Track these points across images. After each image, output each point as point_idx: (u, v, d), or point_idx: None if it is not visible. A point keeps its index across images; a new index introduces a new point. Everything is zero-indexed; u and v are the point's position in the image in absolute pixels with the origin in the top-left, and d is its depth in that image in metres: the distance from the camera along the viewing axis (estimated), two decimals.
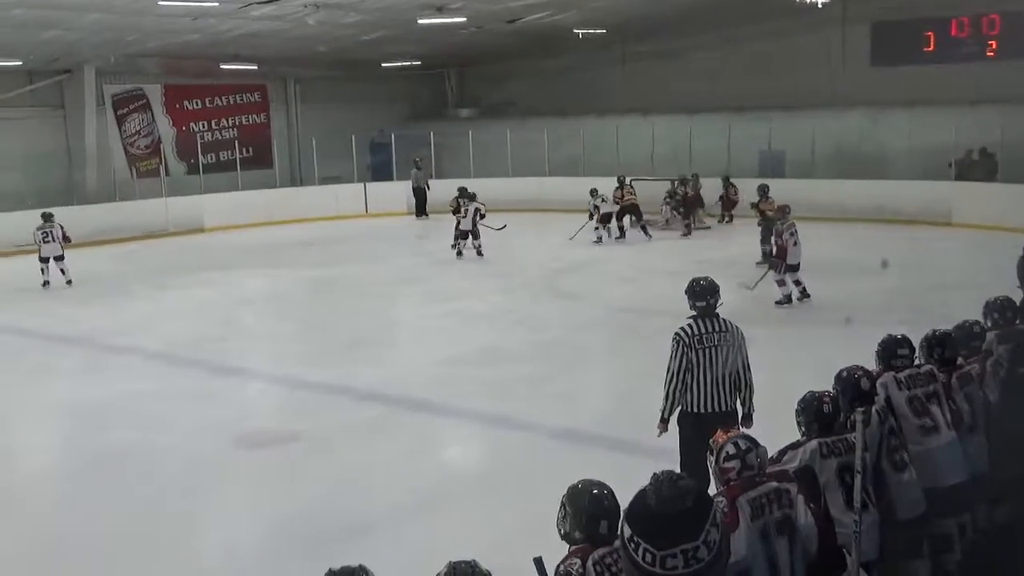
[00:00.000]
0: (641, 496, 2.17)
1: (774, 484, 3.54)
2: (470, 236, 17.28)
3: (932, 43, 21.81)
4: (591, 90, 25.84)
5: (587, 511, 3.18)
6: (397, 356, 11.24)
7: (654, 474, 2.23)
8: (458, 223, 17.33)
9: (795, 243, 12.23)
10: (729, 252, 16.63)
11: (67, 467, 8.14)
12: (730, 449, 3.59)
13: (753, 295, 12.30)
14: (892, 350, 4.92)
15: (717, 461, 3.61)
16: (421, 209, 24.06)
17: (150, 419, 8.89)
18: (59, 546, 6.37)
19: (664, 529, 2.09)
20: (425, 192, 24.09)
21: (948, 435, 4.70)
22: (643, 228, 18.91)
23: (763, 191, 16.24)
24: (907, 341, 5.00)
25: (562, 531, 3.28)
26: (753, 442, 3.64)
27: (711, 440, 3.72)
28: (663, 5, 21.57)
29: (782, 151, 22.51)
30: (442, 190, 23.98)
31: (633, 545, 2.09)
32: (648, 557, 2.07)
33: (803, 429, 4.29)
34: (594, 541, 3.14)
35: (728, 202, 20.62)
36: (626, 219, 19.11)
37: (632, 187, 19.48)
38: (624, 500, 2.29)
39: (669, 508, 2.11)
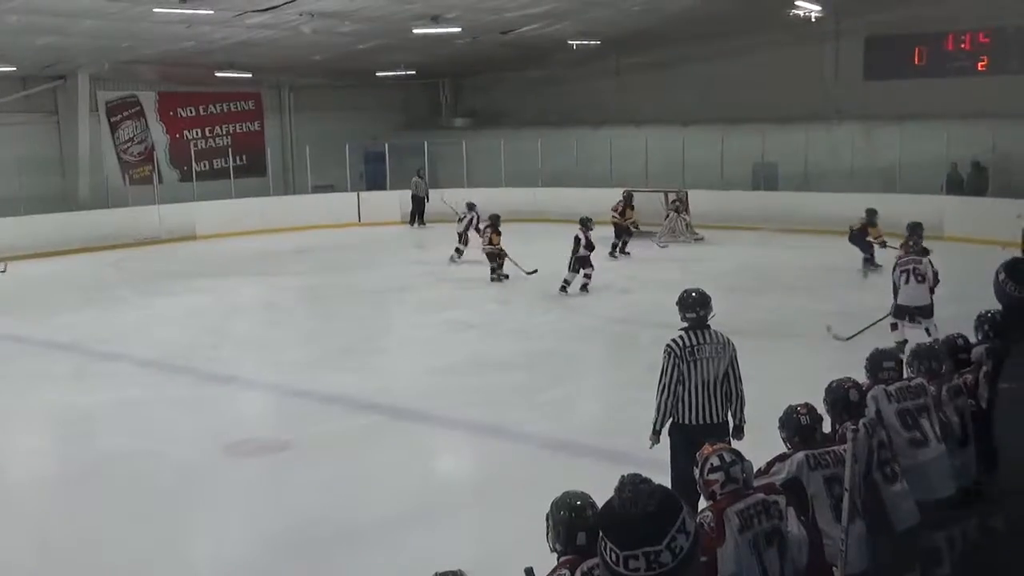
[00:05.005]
0: (611, 498, 2.22)
1: (761, 496, 3.55)
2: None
3: (925, 58, 21.94)
4: (585, 101, 25.91)
5: (565, 522, 3.19)
6: (389, 365, 11.23)
7: (621, 476, 2.27)
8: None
9: (906, 281, 10.33)
10: (725, 264, 16.68)
11: (57, 474, 8.09)
12: (714, 461, 3.61)
13: (739, 309, 12.30)
14: (879, 363, 4.95)
15: (702, 473, 3.64)
16: (417, 218, 24.10)
17: (140, 427, 8.86)
18: (48, 554, 6.36)
19: (625, 530, 2.13)
20: (424, 201, 24.13)
21: (938, 448, 4.71)
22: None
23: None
24: (893, 354, 5.03)
25: (549, 543, 3.28)
26: (738, 456, 3.65)
27: (698, 453, 3.74)
28: (657, 17, 21.65)
29: (775, 163, 22.62)
30: (435, 200, 24.07)
31: (602, 544, 2.15)
32: (613, 556, 2.13)
33: (787, 444, 4.32)
34: (577, 552, 3.14)
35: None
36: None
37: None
38: None
39: (630, 510, 2.15)
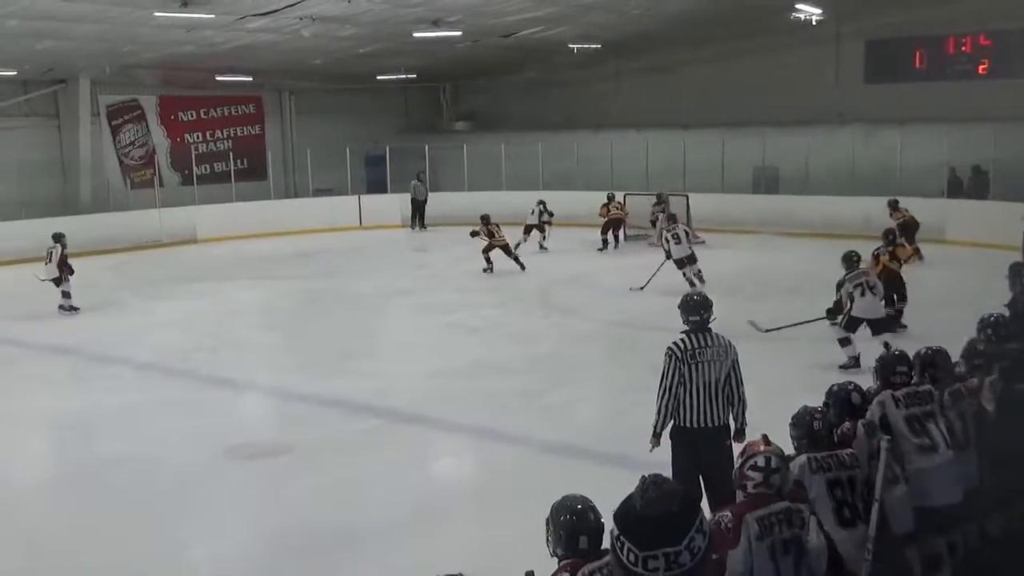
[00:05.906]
0: (629, 497, 2.21)
1: (786, 503, 3.53)
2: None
3: (925, 61, 21.96)
4: (585, 104, 25.94)
5: (566, 527, 3.17)
6: (390, 369, 11.19)
7: (642, 476, 2.26)
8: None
9: (862, 294, 9.93)
10: (725, 268, 16.64)
11: (56, 478, 8.09)
12: (759, 461, 3.58)
13: (740, 312, 12.27)
14: (891, 367, 4.93)
15: (742, 466, 3.61)
16: (418, 221, 24.14)
17: (140, 430, 8.84)
18: (47, 558, 6.33)
19: (647, 531, 2.13)
20: (424, 205, 24.18)
21: (946, 454, 4.69)
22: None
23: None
24: (906, 358, 5.00)
25: (549, 547, 3.27)
26: (784, 464, 3.62)
27: (747, 443, 3.72)
28: (657, 21, 21.65)
29: (776, 167, 22.60)
30: (436, 203, 24.11)
31: (619, 544, 2.15)
32: (631, 556, 2.12)
33: (795, 444, 4.30)
34: (577, 556, 3.12)
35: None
36: (609, 233, 19.70)
37: (620, 202, 19.95)
38: None
39: (653, 511, 2.15)
